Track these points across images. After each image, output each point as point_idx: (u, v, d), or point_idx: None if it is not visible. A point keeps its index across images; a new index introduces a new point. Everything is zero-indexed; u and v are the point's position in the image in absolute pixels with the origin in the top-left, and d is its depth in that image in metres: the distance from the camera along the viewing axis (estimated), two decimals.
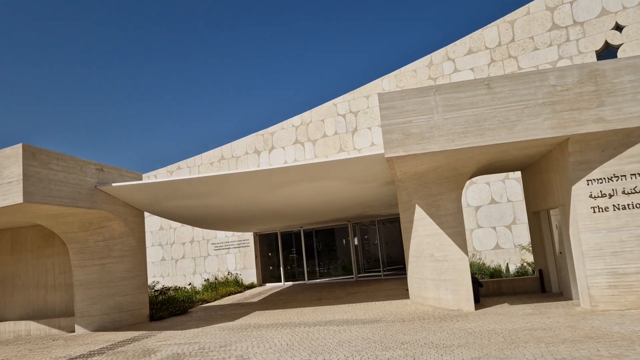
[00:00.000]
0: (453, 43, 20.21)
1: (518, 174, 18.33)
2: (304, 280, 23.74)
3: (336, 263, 24.48)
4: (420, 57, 21.09)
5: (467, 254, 10.83)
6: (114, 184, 12.75)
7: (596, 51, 17.39)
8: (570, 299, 10.87)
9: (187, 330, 11.78)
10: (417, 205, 12.13)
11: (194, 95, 72.76)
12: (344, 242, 24.11)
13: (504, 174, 18.58)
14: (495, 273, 16.42)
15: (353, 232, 22.99)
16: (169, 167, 27.12)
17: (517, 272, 16.48)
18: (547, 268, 12.44)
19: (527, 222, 17.84)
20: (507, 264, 17.86)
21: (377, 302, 13.64)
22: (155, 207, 14.61)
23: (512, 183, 18.55)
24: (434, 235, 11.54)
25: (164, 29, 72.05)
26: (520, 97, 9.07)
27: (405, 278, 20.80)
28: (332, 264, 24.63)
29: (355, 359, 7.13)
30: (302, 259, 23.93)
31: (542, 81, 9.04)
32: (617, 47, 17.05)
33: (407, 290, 15.89)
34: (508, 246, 18.43)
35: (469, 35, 19.90)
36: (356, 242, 23.06)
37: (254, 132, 25.02)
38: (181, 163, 26.77)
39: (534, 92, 9.04)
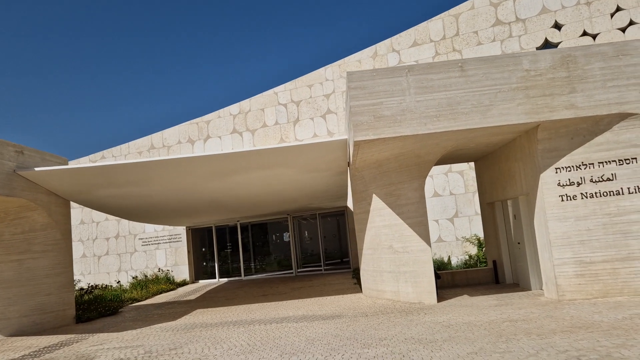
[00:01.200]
0: (398, 34, 20.01)
1: (461, 167, 18.45)
2: (241, 276, 22.69)
3: (274, 258, 23.64)
4: (365, 48, 20.74)
5: (429, 245, 10.46)
6: (36, 169, 11.19)
7: (537, 48, 17.80)
8: (529, 289, 10.81)
9: (124, 332, 10.53)
10: (374, 195, 11.63)
11: (121, 78, 68.26)
12: (283, 236, 23.33)
13: (447, 167, 18.63)
14: (440, 266, 16.38)
15: (293, 226, 22.25)
16: (92, 156, 24.98)
17: (465, 264, 16.52)
18: (500, 259, 12.39)
19: (469, 215, 18.01)
20: (449, 256, 17.92)
21: (329, 297, 13.02)
22: (83, 196, 13.08)
23: (454, 176, 18.63)
24: (393, 226, 11.09)
25: (92, 5, 67.22)
26: (494, 81, 8.76)
27: (347, 272, 20.46)
28: (270, 259, 23.76)
29: (336, 358, 6.43)
30: (239, 255, 22.86)
31: (516, 65, 8.79)
32: (556, 45, 17.54)
33: (356, 284, 15.44)
34: (450, 239, 18.49)
35: (414, 27, 19.78)
36: (293, 236, 22.34)
37: (188, 121, 23.58)
38: (106, 152, 24.73)
39: (507, 77, 8.77)
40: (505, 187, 11.21)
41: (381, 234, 11.48)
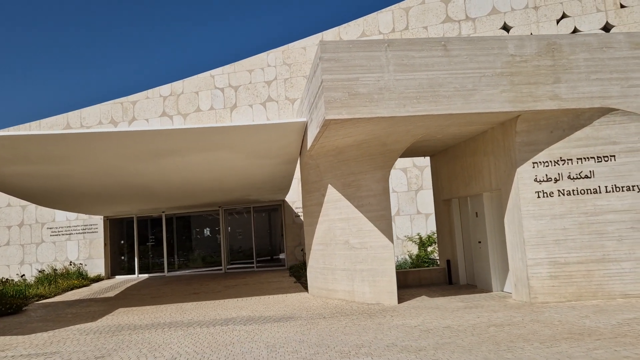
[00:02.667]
0: (346, 24, 19.20)
1: (404, 163, 17.94)
2: (164, 272, 20.84)
3: (201, 253, 22.00)
4: (311, 35, 19.74)
5: (392, 241, 9.63)
6: None
7: None
8: (489, 290, 10.29)
9: (33, 335, 8.76)
10: (330, 186, 10.65)
11: (33, 45, 62.06)
12: (212, 230, 21.77)
13: None
14: None
15: (224, 220, 20.76)
16: None
17: (406, 264, 15.95)
18: (455, 259, 11.85)
19: (410, 213, 17.54)
20: None
21: (272, 296, 11.86)
22: None
23: (398, 174, 18.09)
24: (351, 220, 10.16)
25: None
26: (478, 64, 8.06)
27: (281, 270, 19.31)
28: (196, 255, 22.08)
29: None
30: (162, 249, 21.00)
31: (501, 49, 8.15)
32: None
33: (297, 282, 14.39)
34: None
35: (364, 17, 19.06)
36: (224, 231, 20.84)
37: (111, 100, 21.35)
38: (12, 129, 21.84)
39: (492, 60, 8.10)
40: (468, 183, 10.64)
41: (336, 228, 10.52)
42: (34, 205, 21.29)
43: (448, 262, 11.92)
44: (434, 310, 8.49)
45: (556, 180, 8.46)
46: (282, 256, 21.03)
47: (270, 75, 19.75)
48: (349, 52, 7.87)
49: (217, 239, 21.17)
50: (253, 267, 20.34)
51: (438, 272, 12.17)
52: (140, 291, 15.21)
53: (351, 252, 10.16)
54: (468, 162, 10.58)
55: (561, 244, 8.36)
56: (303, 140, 10.90)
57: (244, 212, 21.34)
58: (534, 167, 8.52)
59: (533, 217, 8.45)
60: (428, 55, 7.99)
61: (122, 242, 22.00)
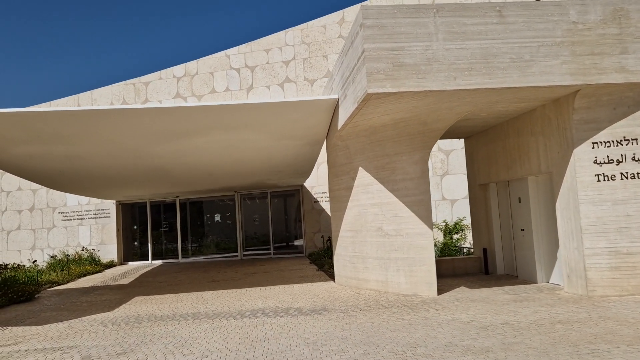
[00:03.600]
0: (369, 0, 18.31)
1: None
2: (178, 258, 20.29)
3: (216, 239, 21.40)
4: (331, 12, 18.87)
5: (431, 228, 8.91)
6: None
7: None
8: (533, 282, 9.56)
9: (47, 326, 8.17)
10: (361, 169, 9.93)
11: (43, 26, 61.54)
12: (228, 215, 21.14)
13: None
14: None
15: (240, 205, 20.11)
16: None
17: (437, 251, 15.25)
18: (492, 247, 11.12)
19: (435, 199, 16.79)
20: None
21: (297, 285, 11.21)
22: None
23: None
24: (384, 205, 9.45)
25: None
26: (536, 32, 7.25)
27: (299, 257, 18.67)
28: (210, 241, 21.49)
29: None
30: (177, 234, 20.43)
31: (562, 16, 7.32)
32: None
33: (319, 270, 13.74)
34: None
35: None
36: (240, 216, 20.20)
37: (123, 81, 20.65)
38: (23, 110, 21.19)
39: (552, 28, 7.28)
40: (511, 167, 9.86)
41: (367, 214, 9.82)
42: (44, 189, 20.75)
43: (484, 250, 11.19)
44: (481, 304, 7.79)
45: (619, 162, 7.68)
46: (297, 243, 20.40)
47: (289, 55, 18.94)
48: (393, 19, 7.08)
49: (232, 224, 20.56)
50: (270, 254, 19.72)
51: (473, 261, 11.45)
52: (156, 278, 14.63)
53: (385, 239, 9.46)
54: (511, 143, 9.79)
55: (624, 232, 7.60)
56: (332, 119, 10.17)
57: (258, 197, 20.67)
58: (593, 147, 7.74)
59: (592, 202, 7.68)
60: (481, 22, 7.18)
61: (135, 227, 21.45)
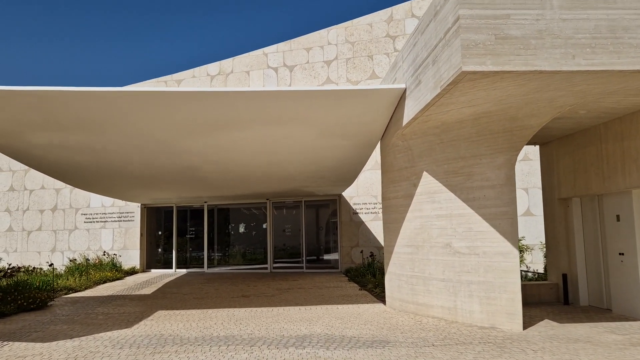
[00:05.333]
0: None
1: None
2: (203, 268, 18.97)
3: (244, 249, 20.04)
4: (378, 10, 17.53)
5: (517, 247, 7.33)
6: None
7: None
8: (636, 318, 7.86)
9: (54, 344, 6.84)
10: (426, 173, 8.44)
11: (79, 24, 61.85)
12: (257, 224, 19.80)
13: None
14: None
15: (272, 214, 18.73)
16: None
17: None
18: (574, 273, 9.45)
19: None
20: None
21: (341, 307, 9.72)
22: (12, 140, 9.18)
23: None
24: (455, 217, 7.93)
25: None
26: None
27: (334, 273, 17.09)
28: (237, 250, 20.13)
29: None
30: (202, 242, 19.13)
31: None
32: None
33: (361, 289, 12.21)
34: None
35: None
36: (271, 226, 18.78)
37: (155, 78, 19.62)
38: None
39: None
40: (609, 177, 8.24)
41: (432, 227, 8.31)
42: (68, 188, 19.75)
43: (564, 276, 9.52)
44: (588, 346, 6.17)
45: None
46: (332, 257, 18.87)
47: (331, 55, 17.62)
48: None
49: (261, 234, 19.17)
50: (302, 267, 18.23)
51: (549, 288, 9.78)
52: (181, 289, 13.29)
53: (454, 258, 7.92)
54: (610, 149, 8.18)
55: None
56: (393, 115, 8.73)
57: (290, 206, 19.25)
58: None
59: None
60: None
61: (160, 233, 20.25)
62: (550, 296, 9.74)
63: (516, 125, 7.28)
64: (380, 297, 10.73)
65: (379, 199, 16.57)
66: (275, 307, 9.84)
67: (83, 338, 7.25)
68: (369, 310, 9.30)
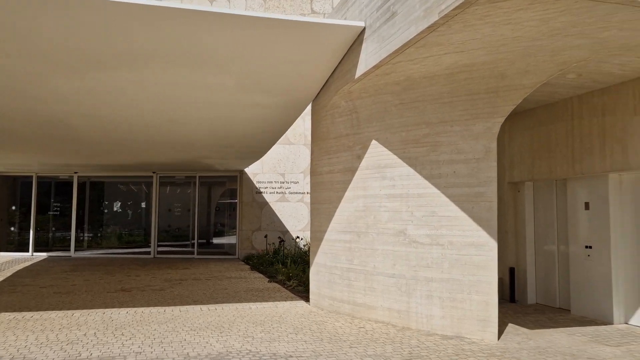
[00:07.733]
0: None
1: None
2: (69, 251, 15.75)
3: (121, 230, 17.09)
4: None
5: (495, 238, 5.89)
6: None
7: None
8: (603, 321, 6.84)
9: None
10: (375, 142, 6.77)
11: None
12: (138, 201, 16.95)
13: None
14: None
15: (158, 190, 15.98)
16: None
17: None
18: (523, 268, 8.36)
19: None
20: None
21: (253, 306, 7.77)
22: None
23: None
24: (414, 198, 6.33)
25: None
26: None
27: (230, 260, 14.80)
28: (111, 231, 17.10)
29: None
30: (70, 221, 15.87)
31: None
32: None
33: (270, 281, 10.32)
34: None
35: None
36: (157, 204, 16.03)
37: None
38: None
39: None
40: (580, 159, 7.13)
41: (380, 210, 6.64)
42: None
43: (511, 270, 8.41)
44: None
45: None
46: (223, 240, 16.66)
47: None
48: None
49: (143, 213, 16.42)
50: (192, 253, 15.81)
51: None
52: (37, 280, 10.37)
53: (410, 249, 6.32)
54: (585, 126, 7.07)
55: None
56: (338, 66, 6.84)
57: (180, 182, 16.69)
58: None
59: None
60: None
61: (14, 207, 16.53)
62: None
63: (503, 85, 5.78)
64: (298, 292, 8.92)
65: (288, 177, 14.67)
66: (168, 307, 7.58)
67: None
68: (291, 310, 7.43)
